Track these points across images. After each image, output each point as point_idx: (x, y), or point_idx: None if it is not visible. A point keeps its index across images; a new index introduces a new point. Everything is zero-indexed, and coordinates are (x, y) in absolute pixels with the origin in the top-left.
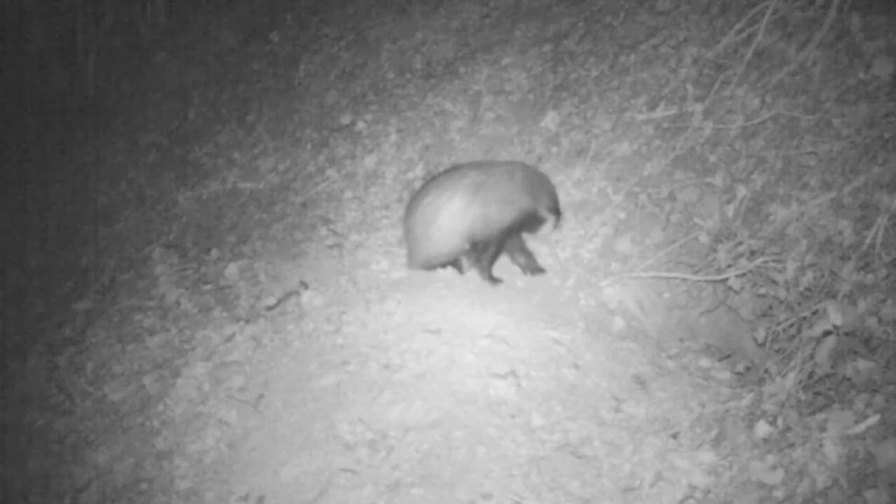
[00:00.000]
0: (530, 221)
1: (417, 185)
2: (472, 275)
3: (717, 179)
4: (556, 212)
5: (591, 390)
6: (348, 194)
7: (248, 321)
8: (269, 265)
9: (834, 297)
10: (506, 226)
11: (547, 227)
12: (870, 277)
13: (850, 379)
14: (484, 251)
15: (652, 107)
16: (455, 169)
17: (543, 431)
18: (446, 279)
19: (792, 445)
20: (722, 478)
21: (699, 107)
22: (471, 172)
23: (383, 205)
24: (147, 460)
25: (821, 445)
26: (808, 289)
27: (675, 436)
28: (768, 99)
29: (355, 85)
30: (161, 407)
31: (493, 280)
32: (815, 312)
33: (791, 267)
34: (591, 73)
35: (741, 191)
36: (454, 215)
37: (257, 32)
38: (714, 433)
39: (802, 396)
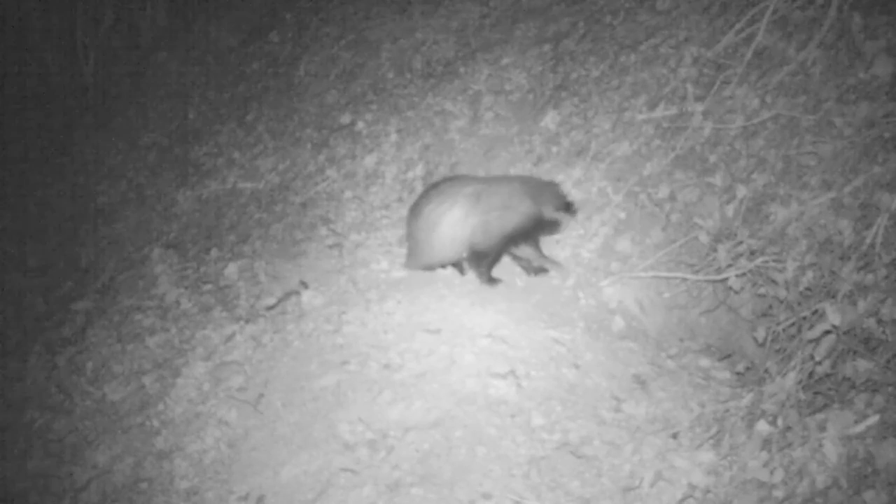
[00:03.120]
0: (539, 226)
1: (417, 185)
2: (473, 275)
3: (717, 179)
4: (568, 209)
5: (591, 390)
6: (348, 194)
7: (248, 321)
8: (269, 265)
9: (834, 297)
10: (508, 232)
11: (563, 227)
12: (870, 277)
13: (850, 379)
14: (484, 258)
15: (652, 107)
16: (458, 178)
17: (543, 431)
18: (446, 279)
19: (792, 445)
20: (722, 477)
21: (699, 107)
22: (473, 182)
23: (383, 205)
24: (147, 460)
25: (821, 445)
26: (808, 289)
27: (675, 436)
28: (768, 99)
29: (355, 85)
30: (161, 407)
31: (492, 281)
32: (815, 312)
33: (791, 267)
34: (591, 73)
35: (741, 191)
36: (455, 224)
37: (257, 32)
38: (714, 433)
39: (802, 396)
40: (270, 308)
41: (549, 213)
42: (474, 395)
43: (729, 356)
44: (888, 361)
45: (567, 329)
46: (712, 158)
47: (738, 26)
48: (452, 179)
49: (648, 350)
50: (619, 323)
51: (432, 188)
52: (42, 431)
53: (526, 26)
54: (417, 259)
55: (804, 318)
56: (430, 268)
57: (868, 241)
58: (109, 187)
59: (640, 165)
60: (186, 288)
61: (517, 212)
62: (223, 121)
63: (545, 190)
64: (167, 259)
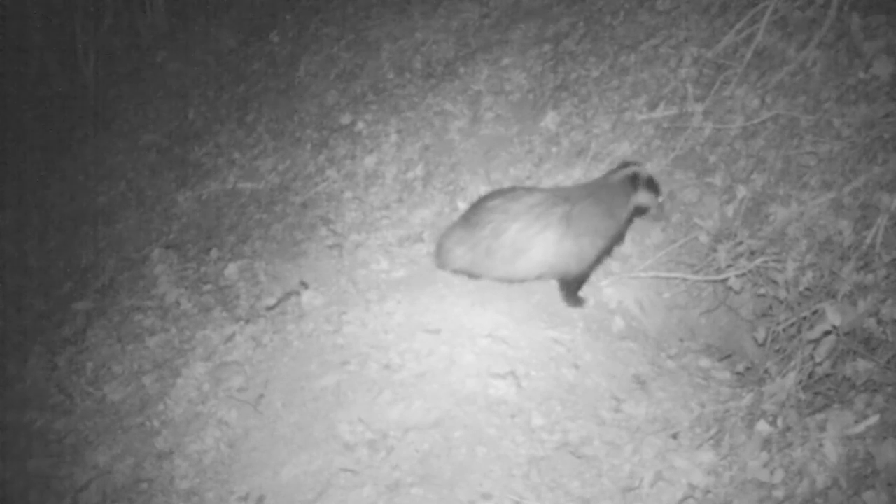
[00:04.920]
0: (622, 234)
1: (417, 185)
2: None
3: (717, 179)
4: (650, 187)
5: (591, 390)
6: (348, 194)
7: (248, 321)
8: (269, 265)
9: (834, 297)
10: (600, 255)
11: (655, 207)
12: (870, 277)
13: (850, 379)
14: (576, 283)
15: (652, 107)
16: (535, 191)
17: (543, 431)
18: (446, 279)
19: (792, 445)
20: (722, 478)
21: (699, 107)
22: (559, 201)
23: (383, 205)
24: (147, 460)
25: (821, 445)
26: (808, 289)
27: (675, 436)
28: (768, 99)
29: (355, 85)
30: (161, 407)
31: (579, 301)
32: (815, 312)
33: (791, 267)
34: (591, 73)
35: (741, 191)
36: (548, 248)
37: (257, 32)
38: (714, 433)
39: (802, 396)
40: (270, 308)
41: (628, 215)
42: (474, 395)
43: (729, 356)
44: (888, 361)
45: (567, 329)
46: (712, 158)
47: (738, 26)
48: (532, 192)
49: (648, 350)
50: (619, 323)
51: (513, 202)
52: (42, 431)
53: (526, 26)
54: (488, 271)
55: (804, 318)
56: (497, 280)
57: (868, 241)
58: (109, 187)
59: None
60: (186, 288)
61: (605, 236)
62: (223, 121)
63: (617, 195)
64: (167, 259)
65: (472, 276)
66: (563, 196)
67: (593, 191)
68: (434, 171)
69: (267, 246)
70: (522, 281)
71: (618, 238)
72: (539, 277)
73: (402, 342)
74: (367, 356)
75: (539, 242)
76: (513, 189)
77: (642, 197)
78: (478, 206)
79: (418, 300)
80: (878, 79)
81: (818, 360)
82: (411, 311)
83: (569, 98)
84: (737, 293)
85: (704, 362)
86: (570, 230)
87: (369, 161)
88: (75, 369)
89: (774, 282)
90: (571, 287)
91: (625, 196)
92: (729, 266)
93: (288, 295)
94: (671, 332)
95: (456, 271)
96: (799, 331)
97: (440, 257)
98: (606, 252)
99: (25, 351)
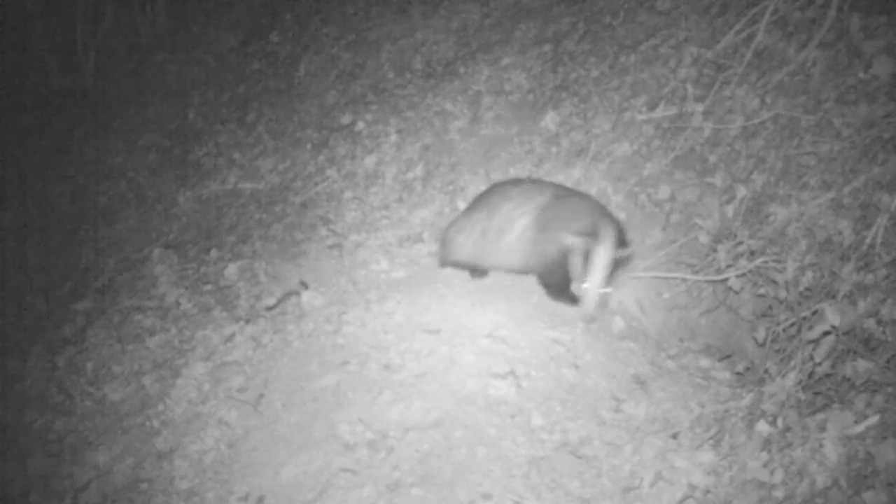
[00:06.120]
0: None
1: (417, 185)
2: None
3: (717, 179)
4: (591, 238)
5: (591, 390)
6: (348, 194)
7: (248, 321)
8: (269, 265)
9: (834, 297)
10: (554, 259)
11: (583, 261)
12: (870, 277)
13: (849, 379)
14: (548, 284)
15: (652, 107)
16: (538, 183)
17: (543, 431)
18: (446, 279)
19: (792, 445)
20: (722, 478)
21: (699, 107)
22: (547, 190)
23: (383, 205)
24: (147, 460)
25: (820, 445)
26: (808, 289)
27: (675, 436)
28: (768, 99)
29: (355, 85)
30: (161, 407)
31: (572, 299)
32: (814, 312)
33: (791, 267)
34: (591, 73)
35: (741, 191)
36: (521, 234)
37: (257, 32)
38: (714, 433)
39: (802, 396)
40: (270, 308)
41: (574, 241)
42: (474, 395)
43: (729, 356)
44: (888, 361)
45: (567, 329)
46: (712, 158)
47: (738, 26)
48: (535, 183)
49: (648, 350)
50: (619, 323)
51: (513, 186)
52: (42, 431)
53: (526, 27)
54: (484, 256)
55: (804, 318)
56: (491, 268)
57: (868, 241)
58: (109, 187)
59: (640, 165)
60: (186, 288)
61: (559, 243)
62: (223, 121)
63: (558, 216)
64: (167, 259)
65: (473, 268)
66: (554, 189)
67: (578, 196)
68: (434, 171)
69: (267, 246)
70: (512, 270)
71: (570, 265)
72: (523, 270)
73: (402, 342)
74: (367, 356)
75: (517, 226)
76: (517, 179)
77: (584, 245)
78: (480, 194)
79: (418, 300)
80: (878, 79)
81: (818, 360)
82: (411, 311)
83: (569, 98)
84: (737, 293)
85: (704, 362)
86: (538, 221)
87: (369, 161)
88: (75, 369)
89: (774, 282)
90: (551, 289)
91: (566, 228)
92: (729, 266)
93: (288, 295)
94: (671, 332)
95: (458, 263)
96: (799, 331)
97: (444, 249)
98: (562, 268)
99: (25, 351)
